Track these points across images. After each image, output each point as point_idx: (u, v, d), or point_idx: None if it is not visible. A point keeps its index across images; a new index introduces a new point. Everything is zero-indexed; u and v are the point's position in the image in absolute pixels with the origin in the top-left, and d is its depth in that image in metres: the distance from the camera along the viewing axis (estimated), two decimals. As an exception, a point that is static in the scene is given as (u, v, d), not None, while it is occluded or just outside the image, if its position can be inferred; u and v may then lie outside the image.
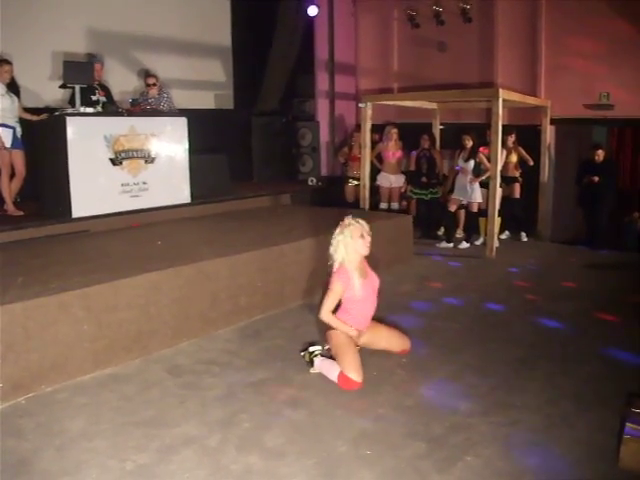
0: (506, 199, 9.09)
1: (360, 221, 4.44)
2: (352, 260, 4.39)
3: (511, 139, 9.17)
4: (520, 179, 9.28)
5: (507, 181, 9.15)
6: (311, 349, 4.48)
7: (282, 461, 3.26)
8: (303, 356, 4.51)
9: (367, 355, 4.65)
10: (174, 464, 3.23)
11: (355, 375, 4.11)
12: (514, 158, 9.24)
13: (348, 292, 4.38)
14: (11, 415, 3.74)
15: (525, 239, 9.43)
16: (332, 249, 4.44)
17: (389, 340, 4.64)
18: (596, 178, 8.59)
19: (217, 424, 3.66)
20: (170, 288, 4.93)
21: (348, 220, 4.43)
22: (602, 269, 7.54)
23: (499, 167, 8.23)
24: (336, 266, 4.42)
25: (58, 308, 4.18)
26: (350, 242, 4.36)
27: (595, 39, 9.15)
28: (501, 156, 8.36)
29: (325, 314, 4.39)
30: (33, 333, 4.02)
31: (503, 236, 9.32)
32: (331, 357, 4.38)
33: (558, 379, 4.28)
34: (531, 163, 9.33)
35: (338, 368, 4.19)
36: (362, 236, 4.39)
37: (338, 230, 4.44)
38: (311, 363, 4.40)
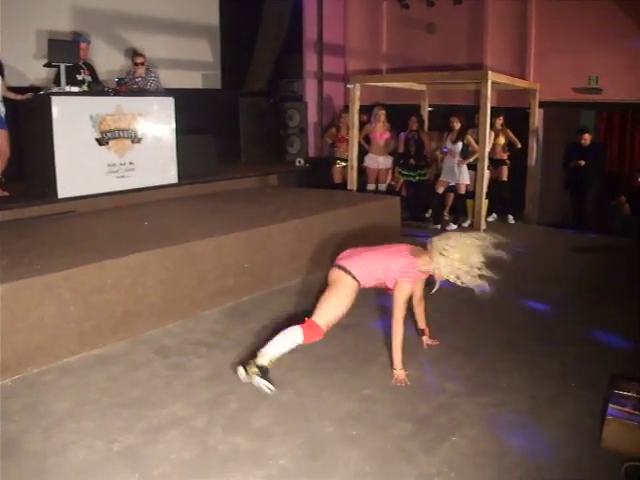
0: (494, 181, 9.10)
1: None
2: (442, 275, 4.01)
3: (499, 121, 9.16)
4: (508, 162, 9.28)
5: (495, 164, 9.15)
6: (262, 361, 3.70)
7: (269, 441, 3.27)
8: (249, 375, 3.69)
9: (354, 336, 4.68)
10: (161, 445, 3.24)
11: (325, 326, 3.84)
12: (502, 140, 9.23)
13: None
14: (-3, 396, 3.74)
15: (512, 221, 9.46)
16: (441, 249, 3.94)
17: None
18: (582, 162, 8.61)
19: (204, 405, 3.67)
20: (157, 269, 4.92)
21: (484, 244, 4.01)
22: (589, 252, 7.59)
23: (487, 149, 8.23)
24: (427, 268, 4.02)
25: (44, 289, 4.16)
26: (464, 270, 3.93)
27: (585, 23, 9.12)
28: (489, 138, 8.36)
29: (401, 323, 3.98)
30: (19, 315, 4.01)
31: (490, 218, 9.35)
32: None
33: (543, 361, 4.32)
34: (519, 146, 9.33)
35: (295, 332, 3.79)
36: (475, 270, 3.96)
37: (477, 256, 3.97)
38: (264, 375, 3.68)
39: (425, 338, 4.59)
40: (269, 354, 3.69)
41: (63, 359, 4.25)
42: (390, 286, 4.09)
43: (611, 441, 3.21)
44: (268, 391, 3.50)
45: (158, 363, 4.28)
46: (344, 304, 3.94)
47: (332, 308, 3.91)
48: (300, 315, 5.12)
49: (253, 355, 3.73)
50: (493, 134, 8.84)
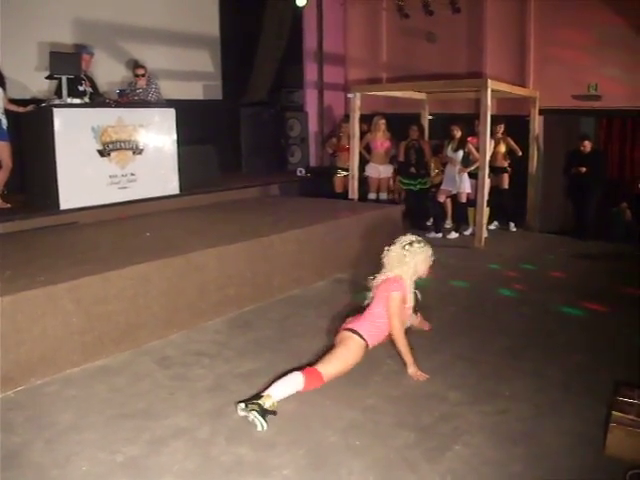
0: (494, 189, 9.12)
1: (427, 243, 4.40)
2: (409, 279, 4.28)
3: (500, 129, 9.19)
4: (509, 169, 9.31)
5: (496, 171, 9.17)
6: (266, 402, 3.60)
7: (272, 452, 3.27)
8: (248, 409, 3.56)
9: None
10: (164, 456, 3.23)
11: (326, 378, 3.88)
12: (503, 148, 9.27)
13: (402, 307, 4.26)
14: (0, 408, 3.73)
15: (514, 229, 9.48)
16: (401, 257, 4.27)
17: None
18: (583, 169, 8.62)
19: (207, 415, 3.67)
20: (159, 280, 4.92)
21: (419, 241, 4.37)
22: (590, 259, 7.59)
23: (488, 157, 8.25)
24: (390, 276, 4.27)
25: (47, 301, 4.17)
26: (421, 264, 4.30)
27: (584, 30, 9.17)
28: (489, 146, 8.38)
29: (397, 328, 4.17)
30: (22, 326, 4.01)
31: (492, 226, 9.35)
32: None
33: (546, 369, 4.32)
34: (520, 154, 9.36)
35: (298, 378, 3.80)
36: (430, 260, 4.35)
37: (419, 244, 4.33)
38: (262, 414, 3.53)
39: (417, 320, 4.69)
40: (273, 397, 3.65)
41: (66, 370, 4.24)
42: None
43: (615, 448, 3.20)
44: (260, 428, 3.47)
45: (161, 374, 4.28)
46: (350, 362, 4.03)
47: (338, 363, 3.98)
48: (303, 326, 5.15)
49: (257, 396, 3.68)
50: (494, 142, 8.87)
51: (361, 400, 3.87)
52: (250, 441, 3.37)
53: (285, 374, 3.90)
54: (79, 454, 3.24)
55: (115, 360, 4.49)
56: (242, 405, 3.58)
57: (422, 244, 4.35)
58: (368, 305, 4.37)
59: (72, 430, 3.49)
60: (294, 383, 3.79)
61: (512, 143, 9.30)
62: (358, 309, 4.49)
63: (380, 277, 4.34)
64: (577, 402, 3.82)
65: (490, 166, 8.87)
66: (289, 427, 3.53)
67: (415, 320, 4.64)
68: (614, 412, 3.32)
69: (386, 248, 4.41)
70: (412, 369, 4.18)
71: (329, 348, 4.20)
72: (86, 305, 4.38)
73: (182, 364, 4.43)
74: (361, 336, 4.09)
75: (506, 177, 9.33)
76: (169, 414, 3.68)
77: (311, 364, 4.00)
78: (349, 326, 4.19)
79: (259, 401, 3.59)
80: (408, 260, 4.25)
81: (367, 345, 4.12)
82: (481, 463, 3.17)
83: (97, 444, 3.34)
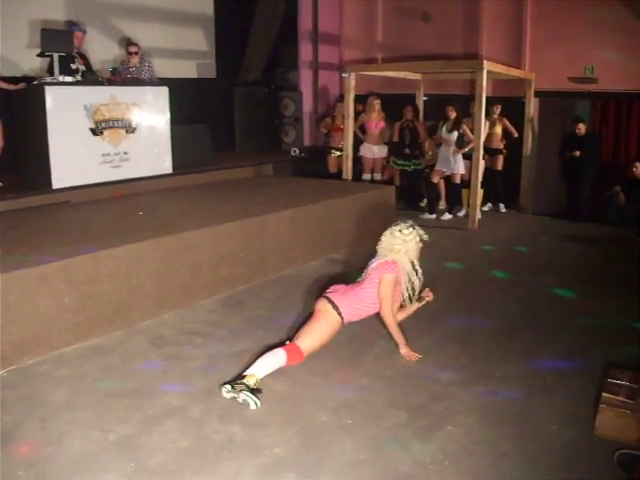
0: (488, 170, 9.13)
1: (417, 227, 4.40)
2: (403, 264, 4.29)
3: (497, 110, 9.18)
4: (504, 151, 9.32)
5: (491, 152, 9.18)
6: (250, 381, 3.63)
7: (264, 430, 3.29)
8: (236, 390, 3.56)
9: (348, 326, 4.68)
10: (157, 434, 3.25)
11: (307, 353, 3.94)
12: (499, 130, 9.26)
13: (397, 290, 4.31)
14: (-7, 387, 3.74)
15: (503, 210, 9.51)
16: (391, 245, 4.30)
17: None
18: (578, 153, 8.62)
19: (199, 394, 3.68)
20: (152, 259, 4.92)
21: (408, 226, 4.36)
22: (583, 242, 7.61)
23: (482, 139, 8.23)
24: (387, 260, 4.28)
25: (39, 280, 4.16)
26: (412, 249, 4.31)
27: (581, 12, 9.11)
28: (484, 127, 8.36)
29: (387, 309, 4.20)
30: (14, 306, 4.00)
31: (485, 208, 9.36)
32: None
33: (538, 350, 4.34)
34: (516, 135, 9.36)
35: (279, 354, 3.84)
36: (420, 243, 4.37)
37: (408, 230, 4.32)
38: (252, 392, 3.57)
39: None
40: (255, 375, 3.68)
41: (59, 350, 4.25)
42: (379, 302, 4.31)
43: (604, 429, 3.23)
44: (254, 406, 3.50)
45: (153, 353, 4.29)
46: (325, 337, 4.08)
47: (314, 338, 4.02)
48: (296, 305, 5.16)
49: (240, 376, 3.69)
50: (489, 123, 8.85)
51: (353, 380, 3.89)
52: (242, 420, 3.39)
53: (266, 351, 3.94)
54: (72, 433, 3.25)
55: (108, 339, 4.49)
56: (228, 387, 3.59)
57: (410, 229, 4.34)
58: (357, 282, 4.39)
59: (65, 409, 3.50)
60: (276, 359, 3.82)
61: (508, 124, 9.29)
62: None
63: (376, 260, 4.36)
64: (567, 383, 3.85)
65: (486, 147, 8.89)
66: (281, 406, 3.55)
67: (411, 307, 4.59)
68: (604, 393, 3.36)
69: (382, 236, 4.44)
70: (404, 349, 4.21)
71: (307, 317, 4.25)
72: (78, 284, 4.37)
73: (175, 343, 4.44)
74: (339, 313, 4.13)
75: (501, 158, 9.34)
76: (162, 393, 3.69)
77: (291, 339, 4.04)
78: (331, 297, 4.20)
79: (244, 381, 3.60)
80: (399, 247, 4.28)
81: (342, 321, 4.17)
82: (472, 443, 3.19)
83: (90, 423, 3.35)
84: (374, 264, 4.34)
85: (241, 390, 3.54)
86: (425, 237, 4.39)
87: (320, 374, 3.95)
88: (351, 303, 4.21)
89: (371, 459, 3.05)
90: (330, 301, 4.16)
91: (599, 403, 3.32)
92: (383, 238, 4.39)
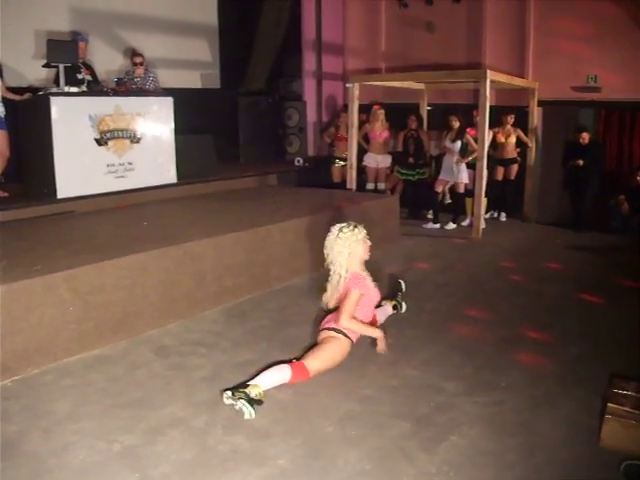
0: (502, 181, 9.22)
1: (358, 226, 4.35)
2: (357, 265, 4.29)
3: (511, 120, 9.20)
4: (519, 159, 9.37)
5: (506, 163, 9.24)
6: (252, 391, 3.62)
7: (268, 441, 3.28)
8: (235, 397, 3.58)
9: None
10: (161, 445, 3.24)
11: (312, 373, 3.91)
12: (513, 139, 9.29)
13: (367, 296, 4.29)
14: (-3, 397, 3.74)
15: (504, 219, 9.52)
16: (333, 256, 4.29)
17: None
18: (581, 162, 8.62)
19: (203, 405, 3.67)
20: (156, 269, 4.92)
21: (348, 225, 4.33)
22: (587, 251, 7.60)
23: (486, 148, 8.24)
24: (343, 273, 4.26)
25: (43, 290, 4.16)
26: (356, 248, 4.25)
27: (584, 21, 9.13)
28: (488, 137, 8.37)
29: (346, 321, 4.12)
30: (18, 315, 4.01)
31: (487, 215, 9.36)
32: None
33: (542, 360, 4.33)
34: (530, 145, 9.42)
35: (285, 370, 3.83)
36: (365, 241, 4.32)
37: (345, 231, 4.28)
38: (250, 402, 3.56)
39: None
40: (258, 386, 3.67)
41: (63, 359, 4.25)
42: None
43: (610, 440, 3.21)
44: (248, 416, 3.49)
45: (158, 363, 4.28)
46: (336, 360, 4.06)
47: (325, 359, 4.00)
48: (300, 316, 5.16)
49: (243, 385, 3.70)
50: (492, 133, 8.86)
51: (357, 390, 3.88)
52: (246, 431, 3.38)
53: (273, 365, 3.93)
54: (76, 443, 3.24)
55: (112, 349, 4.49)
56: (228, 393, 3.59)
57: (350, 227, 4.30)
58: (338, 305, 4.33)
59: (69, 419, 3.50)
60: (281, 375, 3.81)
61: (522, 134, 9.33)
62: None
63: (335, 276, 4.33)
64: (572, 393, 3.83)
65: (501, 158, 8.96)
66: (285, 417, 3.54)
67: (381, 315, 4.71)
68: (609, 404, 3.34)
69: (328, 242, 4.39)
70: (380, 344, 4.30)
71: (313, 345, 4.21)
72: (83, 294, 4.38)
73: (179, 354, 4.44)
74: (345, 334, 4.12)
75: (515, 168, 9.40)
76: (166, 403, 3.69)
77: (298, 358, 4.02)
78: (330, 325, 4.18)
79: (245, 390, 3.60)
80: (341, 249, 4.24)
81: (352, 341, 4.17)
82: (477, 453, 3.18)
83: (94, 433, 3.35)
84: (339, 278, 4.30)
85: (240, 398, 3.54)
86: (363, 233, 4.32)
87: (324, 384, 3.94)
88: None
89: (376, 470, 3.04)
90: (332, 329, 4.15)
91: (604, 413, 3.30)
92: (326, 243, 4.36)
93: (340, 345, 4.09)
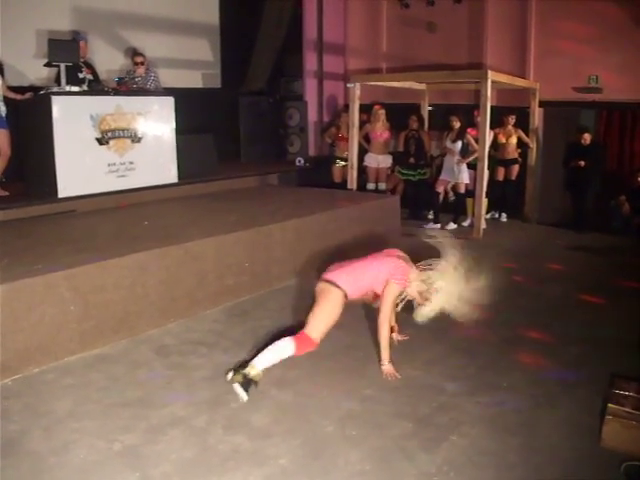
0: (503, 181, 9.21)
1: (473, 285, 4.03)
2: (411, 289, 4.09)
3: (512, 120, 9.19)
4: (519, 160, 9.35)
5: (507, 163, 9.23)
6: (250, 372, 3.71)
7: (269, 441, 3.28)
8: (233, 380, 3.70)
9: (353, 336, 4.68)
10: (161, 444, 3.24)
11: (318, 338, 3.91)
12: (514, 140, 9.28)
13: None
14: (-2, 396, 3.74)
15: (504, 219, 9.51)
16: (427, 279, 4.02)
17: None
18: (582, 162, 8.61)
19: (204, 404, 3.67)
20: (157, 268, 4.92)
21: (469, 280, 4.04)
22: (588, 252, 7.59)
23: (487, 148, 8.23)
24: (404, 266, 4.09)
25: (44, 289, 4.16)
26: (447, 296, 3.98)
27: (585, 22, 9.12)
28: (489, 137, 8.37)
29: (387, 324, 4.07)
30: (19, 314, 4.01)
31: (487, 216, 9.35)
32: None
33: (544, 360, 4.33)
34: (531, 146, 9.40)
35: (287, 344, 3.84)
36: (456, 300, 4.00)
37: (451, 287, 3.97)
38: (245, 385, 3.67)
39: (394, 335, 4.57)
40: (259, 365, 3.72)
41: (64, 358, 4.25)
42: (378, 291, 4.14)
43: (610, 440, 3.22)
44: (242, 400, 3.58)
45: (158, 363, 4.28)
46: (333, 317, 4.00)
47: (322, 321, 3.95)
48: (299, 315, 5.14)
49: (244, 364, 3.75)
50: (492, 133, 8.85)
51: (358, 390, 3.88)
52: (247, 430, 3.38)
53: (275, 339, 3.94)
54: (77, 442, 3.25)
55: (113, 349, 4.49)
56: (230, 374, 3.69)
57: (470, 284, 4.01)
58: (356, 259, 4.25)
59: (70, 418, 3.50)
60: (284, 351, 3.82)
61: (523, 135, 9.32)
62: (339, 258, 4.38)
63: (396, 253, 4.24)
64: (573, 394, 3.83)
65: (501, 159, 8.95)
66: (286, 417, 3.54)
67: (393, 335, 4.57)
68: (610, 404, 3.34)
69: (443, 264, 4.08)
70: (386, 367, 4.09)
71: (311, 304, 4.11)
72: (84, 293, 4.38)
73: (180, 353, 4.44)
74: (340, 288, 4.02)
75: (516, 168, 9.39)
76: (166, 403, 3.69)
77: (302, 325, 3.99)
78: (327, 276, 4.11)
79: (244, 371, 3.67)
80: (433, 287, 3.99)
81: (346, 295, 4.05)
82: (478, 453, 3.18)
83: (95, 432, 3.35)
84: (392, 253, 4.22)
85: (237, 381, 3.62)
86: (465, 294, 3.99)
87: (325, 384, 3.94)
88: (351, 278, 4.09)
89: (376, 470, 3.04)
90: (327, 281, 4.07)
91: (605, 414, 3.30)
92: (441, 274, 4.02)
93: (333, 299, 4.00)
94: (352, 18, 11.84)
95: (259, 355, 3.79)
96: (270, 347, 3.84)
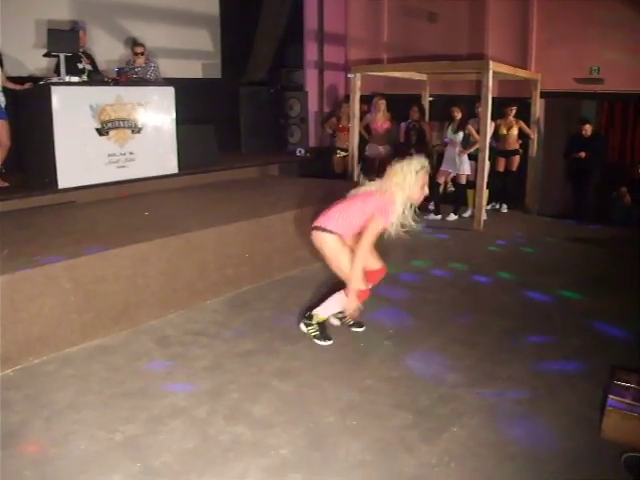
0: (503, 172, 9.18)
1: (426, 167, 4.24)
2: (401, 202, 4.15)
3: (512, 111, 9.16)
4: (520, 151, 9.31)
5: (507, 154, 9.20)
6: (318, 319, 4.37)
7: (270, 431, 3.28)
8: (308, 328, 4.39)
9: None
10: (162, 435, 3.25)
11: (363, 285, 4.18)
12: (515, 131, 9.25)
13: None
14: (-2, 387, 3.74)
15: (505, 210, 9.49)
16: (396, 178, 4.14)
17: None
18: (583, 154, 8.60)
19: (205, 395, 3.68)
20: (158, 259, 4.92)
21: (418, 164, 4.19)
22: (589, 243, 7.58)
23: (488, 139, 8.21)
24: (388, 197, 4.12)
25: (45, 280, 4.16)
26: (418, 189, 4.18)
27: (587, 13, 9.09)
28: (490, 128, 8.34)
29: (363, 253, 4.14)
30: (20, 305, 4.01)
31: (488, 207, 9.34)
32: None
33: (544, 352, 4.33)
34: (532, 137, 9.36)
35: (339, 297, 4.24)
36: (423, 186, 4.23)
37: (420, 173, 4.16)
38: (322, 332, 4.35)
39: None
40: (321, 314, 4.32)
41: (64, 349, 4.25)
42: (363, 228, 4.25)
43: (611, 432, 3.22)
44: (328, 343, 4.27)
45: (159, 353, 4.29)
46: (346, 257, 4.17)
47: (345, 269, 4.19)
48: (301, 306, 5.16)
49: (309, 316, 4.41)
50: (494, 124, 8.83)
51: (359, 381, 3.88)
52: (248, 421, 3.39)
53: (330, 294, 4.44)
54: (77, 433, 3.25)
55: (113, 339, 4.49)
56: (303, 327, 4.38)
57: (420, 166, 4.20)
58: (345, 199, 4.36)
59: (70, 409, 3.50)
60: (344, 301, 4.22)
61: (524, 126, 9.28)
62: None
63: (375, 186, 4.27)
64: (574, 385, 3.84)
65: (502, 150, 8.92)
66: (287, 407, 3.55)
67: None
68: (611, 396, 3.34)
69: (396, 163, 4.25)
70: (352, 303, 4.21)
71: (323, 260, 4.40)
72: (84, 284, 4.38)
73: (180, 344, 4.44)
74: (331, 231, 4.19)
75: (517, 159, 9.34)
76: (167, 393, 3.69)
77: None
78: (317, 224, 4.28)
79: (312, 321, 4.33)
80: (407, 183, 4.13)
81: (341, 236, 4.22)
82: (478, 444, 3.19)
83: (95, 423, 3.35)
84: (372, 188, 4.27)
85: (312, 334, 4.33)
86: (426, 178, 4.23)
87: (325, 375, 3.94)
88: (340, 220, 4.22)
89: (377, 460, 3.05)
90: (318, 228, 4.24)
91: (606, 405, 3.30)
92: (397, 168, 4.20)
93: (333, 246, 4.21)
94: (353, 8, 11.80)
95: (320, 306, 4.35)
96: (329, 298, 4.24)
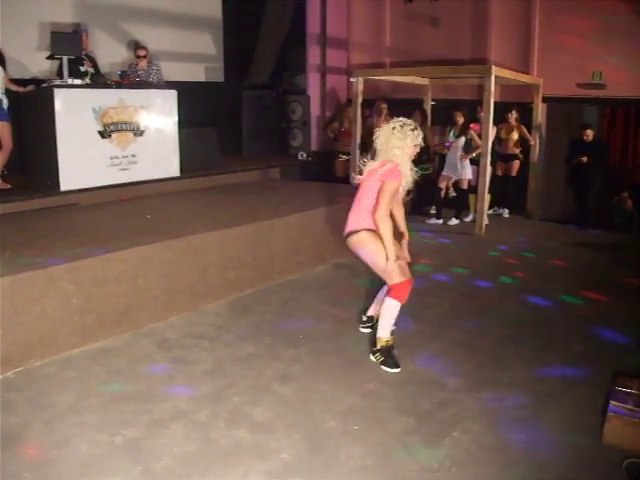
0: (503, 176, 9.16)
1: (417, 127, 4.24)
2: (403, 163, 4.13)
3: (513, 116, 9.15)
4: (520, 156, 9.29)
5: (506, 158, 9.18)
6: (383, 343, 4.17)
7: (271, 435, 3.28)
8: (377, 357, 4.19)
9: (355, 331, 4.68)
10: (163, 438, 3.24)
11: (400, 277, 4.08)
12: (515, 136, 9.22)
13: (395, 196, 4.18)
14: (0, 389, 3.73)
15: (506, 215, 9.48)
16: (386, 142, 4.14)
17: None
18: (584, 158, 8.60)
19: (206, 398, 3.67)
20: (159, 262, 4.92)
21: (410, 124, 4.19)
22: (590, 248, 7.57)
23: (490, 144, 8.21)
24: (387, 165, 4.07)
25: (46, 282, 4.16)
26: (411, 145, 4.16)
27: (589, 18, 9.10)
28: (492, 133, 8.35)
29: (383, 214, 4.00)
30: (21, 307, 4.01)
31: (490, 211, 9.33)
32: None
33: (546, 357, 4.32)
34: (532, 142, 9.34)
35: (390, 303, 4.10)
36: (418, 144, 4.23)
37: (405, 128, 4.14)
38: (389, 359, 4.13)
39: (405, 242, 4.53)
40: (384, 335, 4.14)
41: (66, 352, 4.25)
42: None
43: (612, 437, 3.21)
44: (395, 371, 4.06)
45: (160, 356, 4.28)
46: (382, 252, 4.06)
47: (383, 265, 4.07)
48: (303, 310, 5.16)
49: (374, 343, 4.25)
50: (495, 128, 8.83)
51: (360, 385, 3.87)
52: (249, 424, 3.38)
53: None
54: (78, 435, 3.25)
55: (115, 342, 4.49)
56: (372, 358, 4.19)
57: (412, 126, 4.18)
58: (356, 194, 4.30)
59: (71, 411, 3.50)
60: (392, 308, 4.11)
61: (525, 131, 9.25)
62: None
63: (374, 163, 4.22)
64: (575, 391, 3.83)
65: (501, 154, 8.89)
66: (288, 411, 3.54)
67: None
68: (612, 401, 3.34)
69: (376, 130, 4.29)
70: (390, 263, 4.05)
71: (367, 265, 4.26)
72: (86, 286, 4.38)
73: (182, 347, 4.44)
74: (359, 230, 4.16)
75: (517, 164, 9.31)
76: (168, 396, 3.69)
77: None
78: (348, 230, 4.25)
79: (377, 347, 4.16)
80: (398, 143, 4.12)
81: (369, 229, 4.14)
82: (479, 449, 3.18)
83: (96, 426, 3.35)
84: (373, 166, 4.19)
85: (378, 360, 4.14)
86: (420, 136, 4.23)
87: (327, 379, 3.94)
88: (359, 213, 4.19)
89: (378, 465, 3.04)
90: (350, 234, 4.22)
91: (607, 411, 3.30)
92: (381, 134, 4.20)
93: (371, 242, 4.11)
94: (355, 12, 11.82)
95: (378, 328, 4.18)
96: (381, 318, 4.17)
